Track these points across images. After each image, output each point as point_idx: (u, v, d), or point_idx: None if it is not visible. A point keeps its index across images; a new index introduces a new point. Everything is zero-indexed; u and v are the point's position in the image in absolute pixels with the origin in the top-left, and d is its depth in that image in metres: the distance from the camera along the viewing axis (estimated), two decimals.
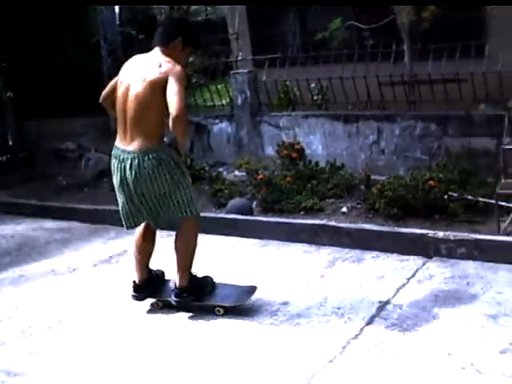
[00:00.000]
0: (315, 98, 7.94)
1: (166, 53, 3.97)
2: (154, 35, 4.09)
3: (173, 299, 4.20)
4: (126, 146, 3.96)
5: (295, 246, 5.38)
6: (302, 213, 5.95)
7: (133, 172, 3.92)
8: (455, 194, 5.51)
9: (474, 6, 7.63)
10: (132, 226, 4.17)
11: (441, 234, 4.90)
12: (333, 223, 5.46)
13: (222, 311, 4.19)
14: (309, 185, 6.32)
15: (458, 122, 6.51)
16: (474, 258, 4.68)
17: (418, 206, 5.50)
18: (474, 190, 5.58)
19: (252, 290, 4.29)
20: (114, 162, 4.04)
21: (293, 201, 6.08)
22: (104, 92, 4.26)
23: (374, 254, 5.01)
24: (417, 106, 7.15)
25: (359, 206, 5.86)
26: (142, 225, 4.21)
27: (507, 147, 5.31)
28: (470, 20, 7.64)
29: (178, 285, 4.15)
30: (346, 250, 5.15)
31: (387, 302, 4.14)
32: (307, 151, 7.02)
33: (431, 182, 5.56)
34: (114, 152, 4.06)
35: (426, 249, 4.90)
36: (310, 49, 8.20)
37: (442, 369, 3.32)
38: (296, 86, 7.88)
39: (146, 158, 3.88)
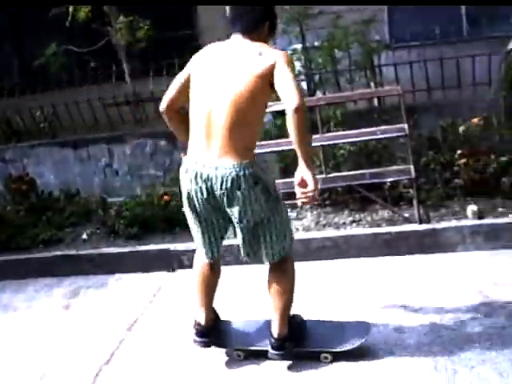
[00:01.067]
0: (42, 126, 7.65)
1: (254, 40, 3.13)
2: (232, 20, 3.21)
3: (273, 353, 3.30)
4: (212, 159, 3.03)
5: (38, 281, 5.09)
6: (41, 246, 5.66)
7: (224, 192, 3.03)
8: None
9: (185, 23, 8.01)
10: (214, 255, 3.34)
11: (182, 247, 5.00)
12: (73, 252, 5.29)
13: (330, 358, 3.33)
14: (44, 216, 6.05)
15: None
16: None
17: (158, 221, 5.56)
18: None
19: (366, 327, 3.43)
20: (192, 180, 3.09)
21: (29, 235, 5.77)
22: (167, 97, 3.26)
23: (118, 276, 4.96)
24: (145, 124, 7.27)
25: (99, 230, 5.75)
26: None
27: None
28: (183, 37, 7.99)
29: (277, 335, 3.28)
30: (90, 276, 5.02)
31: (135, 322, 4.12)
32: (39, 181, 6.74)
33: (166, 197, 5.67)
34: (189, 167, 3.11)
35: (169, 263, 4.97)
36: (29, 76, 7.90)
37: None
38: (18, 116, 7.53)
39: (242, 175, 2.98)
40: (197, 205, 3.13)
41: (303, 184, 2.97)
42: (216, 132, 3.01)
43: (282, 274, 3.24)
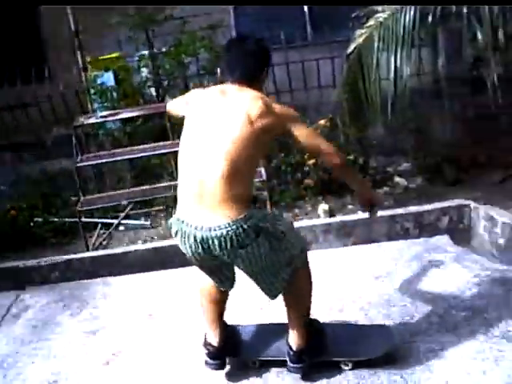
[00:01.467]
0: None
1: (251, 87, 2.89)
2: (229, 66, 2.94)
3: (292, 366, 3.09)
4: (204, 220, 2.74)
5: None
6: None
7: (224, 252, 2.77)
8: (40, 219, 5.43)
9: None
10: (227, 287, 3.15)
11: (32, 263, 4.75)
12: None
13: (350, 365, 3.13)
14: None
15: (31, 148, 6.45)
16: (68, 279, 4.66)
17: (7, 238, 5.26)
18: (59, 212, 5.59)
19: (389, 332, 3.29)
20: (185, 243, 2.82)
21: None
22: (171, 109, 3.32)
23: None
24: None
25: None
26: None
27: (79, 165, 5.43)
28: (26, 46, 7.64)
29: (295, 347, 3.06)
30: None
31: None
32: None
33: (13, 212, 5.38)
34: (180, 230, 2.82)
35: (19, 280, 4.70)
36: None
37: None
38: None
39: (241, 232, 2.71)
40: (197, 260, 2.90)
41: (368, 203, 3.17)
42: (207, 188, 2.73)
43: (296, 286, 3.03)
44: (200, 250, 2.78)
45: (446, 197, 4.90)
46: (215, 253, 2.77)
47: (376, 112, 4.46)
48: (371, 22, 4.43)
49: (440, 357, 3.13)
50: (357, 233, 4.62)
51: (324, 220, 4.87)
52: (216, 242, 2.71)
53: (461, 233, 4.63)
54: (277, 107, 2.86)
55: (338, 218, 4.82)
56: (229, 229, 2.69)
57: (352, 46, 4.47)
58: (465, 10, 4.16)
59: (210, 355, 3.17)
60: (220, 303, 3.17)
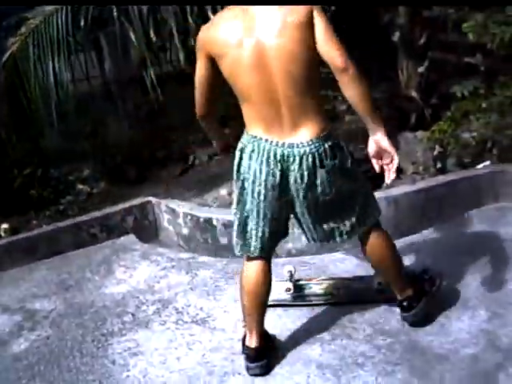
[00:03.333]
0: None
1: None
2: None
3: (405, 315, 2.97)
4: (285, 137, 2.57)
5: None
6: None
7: (305, 174, 2.56)
8: None
9: None
10: (265, 250, 2.79)
11: None
12: None
13: None
14: None
15: None
16: None
17: None
18: None
19: None
20: (262, 162, 2.58)
21: None
22: (199, 105, 2.83)
23: None
24: None
25: None
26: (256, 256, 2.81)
27: None
28: None
29: (399, 296, 2.96)
30: None
31: None
32: None
33: None
34: (260, 145, 2.59)
35: None
36: None
37: None
38: None
39: (323, 151, 2.56)
40: (262, 190, 2.63)
41: (380, 155, 2.64)
42: (282, 105, 2.55)
43: (379, 241, 2.90)
44: (277, 171, 2.59)
45: (131, 196, 4.97)
46: (291, 174, 2.59)
47: (42, 120, 4.33)
48: (24, 29, 4.28)
49: (136, 354, 3.18)
50: (42, 247, 4.45)
51: (7, 239, 4.59)
52: (297, 159, 2.57)
53: (147, 229, 4.75)
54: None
55: (21, 235, 4.58)
56: (311, 146, 2.57)
57: (6, 55, 4.26)
58: (115, 13, 4.23)
59: (250, 358, 2.87)
60: (263, 294, 2.87)
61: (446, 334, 2.92)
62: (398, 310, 3.13)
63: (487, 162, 4.37)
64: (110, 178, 5.58)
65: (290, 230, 3.91)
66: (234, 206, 2.79)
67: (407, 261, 3.65)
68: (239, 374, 2.90)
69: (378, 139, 2.61)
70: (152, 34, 4.27)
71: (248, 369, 2.88)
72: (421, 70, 4.96)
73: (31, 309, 3.77)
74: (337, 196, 2.67)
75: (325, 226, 2.77)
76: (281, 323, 3.21)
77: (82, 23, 4.22)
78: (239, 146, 2.71)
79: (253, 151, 2.64)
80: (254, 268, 2.83)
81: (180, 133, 6.24)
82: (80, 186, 5.50)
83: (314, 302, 3.31)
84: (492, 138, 4.28)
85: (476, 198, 4.09)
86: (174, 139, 6.16)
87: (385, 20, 5.01)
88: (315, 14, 2.50)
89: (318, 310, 3.27)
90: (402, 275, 3.00)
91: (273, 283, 2.93)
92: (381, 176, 4.40)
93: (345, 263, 3.77)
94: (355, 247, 3.89)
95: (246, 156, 2.67)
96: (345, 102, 7.01)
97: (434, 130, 4.58)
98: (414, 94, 4.95)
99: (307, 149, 2.57)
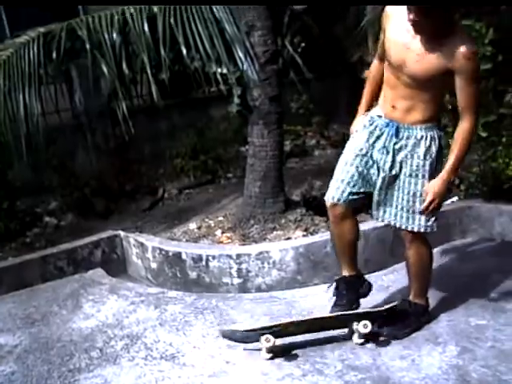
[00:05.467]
0: None
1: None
2: None
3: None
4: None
5: None
6: None
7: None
8: None
9: None
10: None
11: None
12: None
13: None
14: None
15: None
16: None
17: None
18: None
19: None
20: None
21: None
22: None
23: None
24: None
25: None
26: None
27: None
28: None
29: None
30: None
31: None
32: None
33: None
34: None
35: None
36: None
37: None
38: None
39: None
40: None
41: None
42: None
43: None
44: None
45: (99, 230, 4.93)
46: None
47: (11, 152, 4.28)
48: None
49: None
50: (7, 280, 4.36)
51: None
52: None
53: (116, 263, 4.70)
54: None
55: None
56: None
57: None
58: (88, 46, 4.24)
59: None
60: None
61: (417, 369, 2.92)
62: (369, 345, 3.14)
63: (455, 198, 4.44)
64: (78, 211, 5.54)
65: (260, 265, 3.98)
66: None
67: (377, 295, 3.67)
68: None
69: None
70: (124, 67, 4.27)
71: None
72: None
73: None
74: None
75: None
76: (250, 358, 3.18)
77: (55, 55, 4.20)
78: None
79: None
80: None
81: (149, 166, 6.24)
82: (47, 219, 5.44)
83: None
84: (459, 175, 4.36)
85: (444, 234, 4.14)
86: (143, 172, 6.15)
87: (354, 58, 5.10)
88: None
89: (288, 345, 3.25)
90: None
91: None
92: None
93: (315, 298, 3.77)
94: (325, 283, 3.93)
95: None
96: (314, 137, 7.16)
97: None
98: None
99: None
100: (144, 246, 4.46)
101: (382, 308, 3.28)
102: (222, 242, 4.37)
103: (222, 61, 4.31)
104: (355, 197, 3.13)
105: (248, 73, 4.28)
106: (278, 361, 3.13)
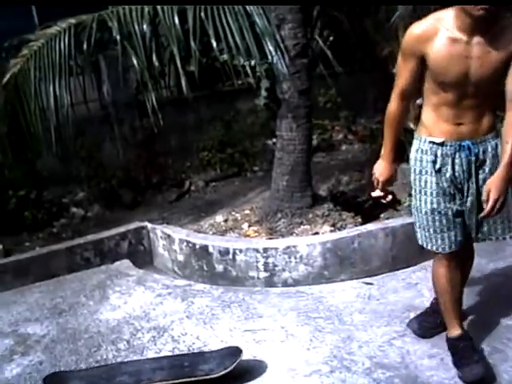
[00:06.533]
0: None
1: None
2: None
3: None
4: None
5: None
6: None
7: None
8: None
9: None
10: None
11: None
12: None
13: None
14: None
15: None
16: None
17: None
18: None
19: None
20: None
21: None
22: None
23: None
24: None
25: None
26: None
27: None
28: None
29: None
30: None
31: None
32: None
33: None
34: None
35: None
36: None
37: None
38: None
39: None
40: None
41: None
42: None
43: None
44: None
45: (125, 221, 4.94)
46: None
47: (40, 143, 4.30)
48: (25, 51, 4.27)
49: None
50: (34, 270, 4.39)
51: None
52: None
53: (142, 255, 4.71)
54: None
55: (14, 257, 4.52)
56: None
57: (7, 76, 4.24)
58: (118, 38, 4.24)
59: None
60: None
61: (446, 368, 2.88)
62: (397, 343, 3.11)
63: None
64: (105, 202, 5.55)
65: (287, 260, 3.96)
66: None
67: (406, 293, 3.64)
68: None
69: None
70: (154, 58, 4.26)
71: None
72: (419, 101, 4.97)
73: (23, 333, 3.70)
74: None
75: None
76: (278, 353, 3.17)
77: (85, 46, 4.21)
78: None
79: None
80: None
81: (176, 158, 6.24)
82: (74, 209, 5.47)
83: None
84: None
85: None
86: (170, 164, 6.15)
87: (384, 52, 5.03)
88: None
89: (315, 341, 3.23)
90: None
91: None
92: (378, 207, 4.45)
93: (342, 294, 3.74)
94: (352, 279, 3.90)
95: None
96: (341, 131, 7.10)
97: None
98: (411, 125, 4.96)
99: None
100: (171, 238, 4.47)
101: None
102: (248, 236, 4.36)
103: (251, 53, 4.29)
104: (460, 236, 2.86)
105: (278, 66, 4.24)
106: (305, 357, 3.11)
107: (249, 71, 4.38)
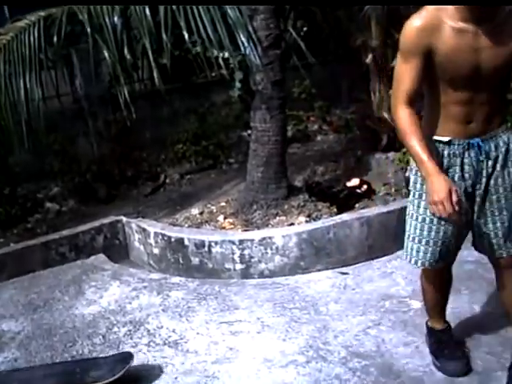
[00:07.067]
0: None
1: None
2: None
3: None
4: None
5: None
6: None
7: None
8: None
9: None
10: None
11: None
12: None
13: None
14: None
15: None
16: None
17: None
18: None
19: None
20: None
21: None
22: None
23: None
24: None
25: None
26: None
27: None
28: None
29: None
30: None
31: None
32: None
33: None
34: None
35: None
36: None
37: None
38: None
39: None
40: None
41: None
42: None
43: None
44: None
45: (101, 215, 4.90)
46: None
47: (12, 137, 4.25)
48: None
49: None
50: (9, 266, 4.35)
51: None
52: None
53: (118, 249, 4.68)
54: None
55: None
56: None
57: None
58: (89, 31, 4.19)
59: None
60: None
61: (421, 356, 2.91)
62: (373, 332, 3.13)
63: None
64: (80, 196, 5.52)
65: (263, 251, 3.97)
66: None
67: (381, 282, 3.66)
68: None
69: None
70: (126, 51, 4.23)
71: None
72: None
73: None
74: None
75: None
76: (254, 344, 3.17)
77: (55, 39, 4.16)
78: None
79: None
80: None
81: (150, 151, 6.21)
82: (48, 204, 5.43)
83: None
84: None
85: None
86: (145, 158, 6.13)
87: (357, 43, 5.05)
88: None
89: (291, 332, 3.24)
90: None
91: None
92: (353, 197, 4.47)
93: (318, 284, 3.76)
94: (327, 268, 3.92)
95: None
96: (316, 122, 7.10)
97: (406, 151, 4.61)
98: (386, 115, 5.00)
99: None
100: (146, 232, 4.44)
101: None
102: (224, 228, 4.35)
103: (223, 45, 4.26)
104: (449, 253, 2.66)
105: (251, 57, 4.23)
106: (281, 347, 3.12)
107: (222, 63, 4.36)
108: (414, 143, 2.41)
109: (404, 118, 2.44)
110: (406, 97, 2.44)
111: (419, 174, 2.51)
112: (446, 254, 2.63)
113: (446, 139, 2.50)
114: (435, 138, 2.52)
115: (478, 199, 2.56)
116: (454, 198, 2.30)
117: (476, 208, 2.57)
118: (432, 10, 2.38)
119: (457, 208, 2.31)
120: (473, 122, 2.48)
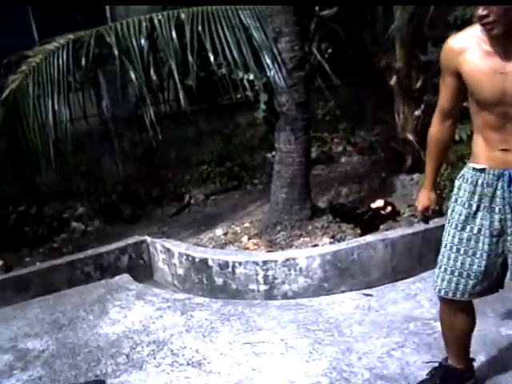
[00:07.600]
0: None
1: None
2: None
3: None
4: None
5: None
6: None
7: None
8: None
9: None
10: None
11: None
12: None
13: None
14: None
15: None
16: None
17: None
18: None
19: None
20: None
21: None
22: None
23: None
24: None
25: None
26: None
27: None
28: None
29: None
30: None
31: None
32: None
33: None
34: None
35: None
36: None
37: None
38: None
39: None
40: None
41: None
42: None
43: None
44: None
45: (126, 235, 4.94)
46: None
47: (39, 158, 4.32)
48: (24, 67, 4.30)
49: None
50: (35, 284, 4.39)
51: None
52: None
53: (142, 269, 4.71)
54: None
55: (14, 273, 4.53)
56: None
57: (6, 92, 4.27)
58: (116, 53, 4.26)
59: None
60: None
61: None
62: (396, 354, 3.10)
63: None
64: (105, 217, 5.56)
65: (287, 272, 3.96)
66: None
67: (405, 304, 3.63)
68: None
69: None
70: (152, 73, 4.29)
71: None
72: (417, 113, 5.00)
73: (23, 348, 3.70)
74: None
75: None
76: (277, 366, 3.16)
77: (83, 62, 4.24)
78: None
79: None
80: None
81: (175, 172, 6.25)
82: (74, 224, 5.48)
83: None
84: None
85: None
86: (170, 178, 6.17)
87: (381, 64, 5.06)
88: None
89: (315, 353, 3.22)
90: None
91: None
92: (377, 218, 4.45)
93: (342, 306, 3.74)
94: (351, 290, 3.89)
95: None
96: (341, 143, 7.10)
97: None
98: (410, 136, 4.99)
99: None
100: (170, 252, 4.47)
101: None
102: (248, 249, 4.36)
103: (249, 67, 4.31)
104: (478, 287, 2.59)
105: (275, 79, 4.26)
106: (304, 369, 3.10)
107: (247, 85, 4.41)
108: (429, 160, 2.68)
109: (432, 132, 2.64)
110: (439, 112, 2.58)
111: (453, 198, 2.56)
112: (474, 289, 2.59)
113: (479, 166, 2.47)
114: (471, 165, 2.50)
115: (509, 231, 2.46)
116: (427, 214, 2.74)
117: (509, 243, 2.47)
118: (469, 31, 2.40)
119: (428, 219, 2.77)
120: (509, 150, 2.39)
